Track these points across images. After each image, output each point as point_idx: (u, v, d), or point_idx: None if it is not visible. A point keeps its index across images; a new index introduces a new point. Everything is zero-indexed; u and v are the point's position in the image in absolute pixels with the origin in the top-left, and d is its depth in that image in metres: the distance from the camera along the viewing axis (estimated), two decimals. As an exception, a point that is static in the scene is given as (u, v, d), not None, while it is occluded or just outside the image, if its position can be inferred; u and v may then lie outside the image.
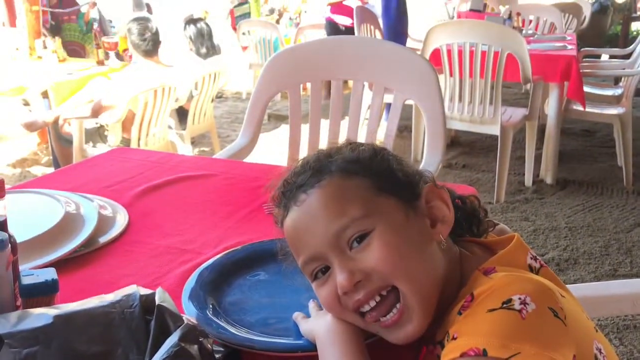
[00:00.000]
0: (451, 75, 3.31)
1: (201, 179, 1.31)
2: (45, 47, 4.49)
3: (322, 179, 0.69)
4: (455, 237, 0.74)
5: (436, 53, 3.31)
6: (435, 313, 0.66)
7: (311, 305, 0.77)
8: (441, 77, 3.35)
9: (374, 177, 0.69)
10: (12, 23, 6.95)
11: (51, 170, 4.23)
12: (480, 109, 3.28)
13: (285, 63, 1.82)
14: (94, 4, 5.33)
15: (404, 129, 4.52)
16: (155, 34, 3.92)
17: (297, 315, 0.76)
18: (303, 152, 1.77)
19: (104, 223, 1.06)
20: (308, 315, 0.76)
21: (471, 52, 3.17)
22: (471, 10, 5.58)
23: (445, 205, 0.71)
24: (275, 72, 1.81)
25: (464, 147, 4.47)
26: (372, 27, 4.40)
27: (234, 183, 1.29)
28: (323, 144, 1.72)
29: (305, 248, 0.68)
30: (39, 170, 4.39)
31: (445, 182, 0.78)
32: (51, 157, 4.15)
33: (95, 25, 5.29)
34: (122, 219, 1.10)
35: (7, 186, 1.28)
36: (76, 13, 5.20)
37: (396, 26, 4.47)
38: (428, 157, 1.63)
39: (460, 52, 3.22)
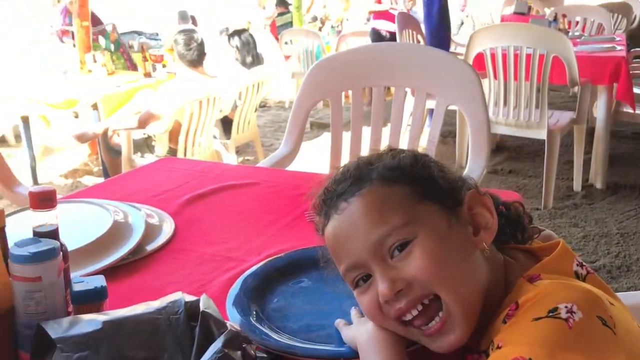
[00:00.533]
0: (495, 79, 3.26)
1: (245, 187, 1.33)
2: (95, 61, 4.64)
3: (363, 187, 0.68)
4: (499, 244, 0.73)
5: (480, 57, 3.27)
6: (478, 321, 0.65)
7: (353, 312, 0.77)
8: (485, 81, 3.31)
9: (415, 184, 0.68)
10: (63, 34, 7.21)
11: (101, 180, 4.36)
12: (525, 113, 3.22)
13: (326, 71, 1.83)
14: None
15: (448, 135, 4.47)
16: (201, 45, 4.00)
17: (339, 322, 0.76)
18: (345, 161, 1.77)
19: (151, 231, 1.09)
20: (350, 322, 0.76)
21: (515, 56, 3.12)
22: (515, 13, 5.49)
23: (489, 212, 0.70)
24: (316, 80, 1.82)
25: (509, 152, 4.38)
26: (414, 32, 4.38)
27: (276, 191, 1.31)
28: (365, 152, 1.73)
29: (346, 256, 0.68)
30: (89, 180, 4.53)
31: (489, 189, 0.77)
32: (101, 168, 4.28)
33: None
34: (168, 227, 1.13)
35: (58, 196, 1.33)
36: (103, 32, 5.37)
37: (438, 31, 4.44)
38: (472, 163, 1.61)
39: (504, 56, 3.17)
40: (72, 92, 4.15)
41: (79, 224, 1.05)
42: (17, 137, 5.37)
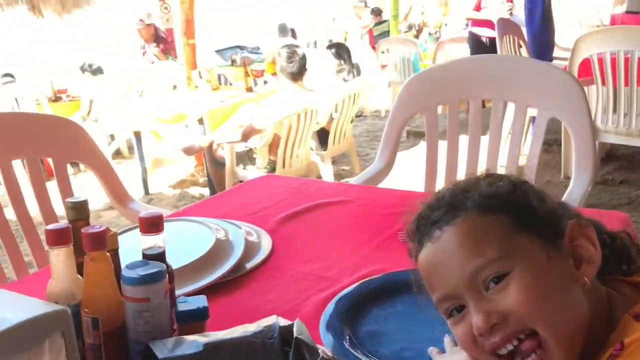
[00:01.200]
0: (604, 85, 3.08)
1: (338, 205, 1.35)
2: (200, 77, 4.88)
3: (458, 215, 0.67)
4: (603, 276, 0.69)
5: (586, 62, 3.10)
6: (579, 359, 0.62)
7: (446, 340, 0.76)
8: (592, 88, 3.14)
9: (513, 214, 0.66)
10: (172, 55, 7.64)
11: (206, 190, 4.57)
12: (638, 121, 3.01)
13: (421, 85, 1.82)
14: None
15: (553, 143, 4.27)
16: (302, 59, 4.10)
17: (432, 350, 0.76)
18: (441, 174, 1.75)
19: (250, 249, 1.13)
20: (443, 350, 0.75)
21: (626, 60, 2.93)
22: (627, 12, 5.15)
23: (592, 244, 0.66)
24: (411, 94, 1.81)
25: (620, 161, 4.11)
26: (515, 38, 4.23)
27: (369, 209, 1.32)
28: (462, 162, 1.69)
29: (439, 286, 0.68)
30: (196, 191, 4.76)
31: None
32: (206, 179, 4.49)
33: None
34: (266, 244, 1.17)
35: (166, 207, 1.41)
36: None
37: (541, 36, 4.25)
38: (577, 178, 1.53)
39: (613, 61, 2.99)
40: (180, 108, 4.40)
41: (184, 242, 1.12)
42: (130, 149, 5.75)
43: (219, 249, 1.09)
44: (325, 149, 4.49)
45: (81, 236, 0.73)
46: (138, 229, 0.79)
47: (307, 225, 1.27)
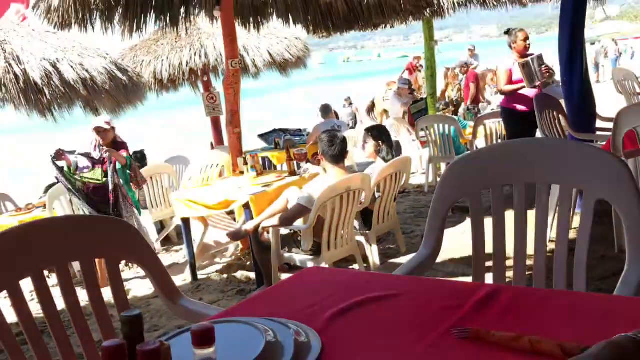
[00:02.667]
0: (652, 156, 3.03)
1: (387, 299, 1.34)
2: (245, 164, 5.02)
3: None
4: None
5: (630, 134, 3.07)
6: None
7: None
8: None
9: None
10: (217, 143, 7.93)
11: (253, 274, 4.59)
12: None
13: (464, 169, 1.83)
14: None
15: (604, 214, 4.14)
16: (343, 142, 4.19)
17: None
18: (489, 246, 1.73)
19: (300, 351, 1.13)
20: None
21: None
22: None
23: None
24: (454, 179, 1.82)
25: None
26: (555, 113, 4.23)
27: (420, 304, 1.30)
28: (509, 236, 1.67)
29: None
30: (242, 275, 4.79)
31: None
32: (252, 262, 4.52)
33: None
34: (316, 345, 1.16)
35: (213, 309, 1.42)
36: None
37: (581, 110, 4.23)
38: (631, 261, 1.48)
39: (660, 131, 2.95)
40: (226, 194, 4.51)
41: (234, 346, 1.12)
42: (179, 235, 5.88)
43: (270, 352, 1.09)
44: (369, 229, 4.48)
45: (136, 352, 0.75)
46: (189, 334, 0.82)
47: (356, 322, 1.26)
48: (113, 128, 5.34)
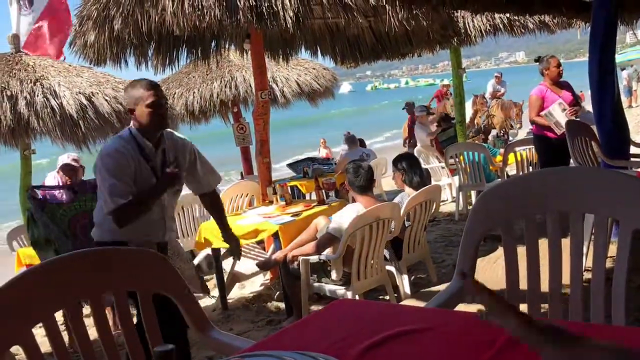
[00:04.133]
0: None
1: (418, 334, 1.32)
2: (274, 193, 5.05)
3: None
4: None
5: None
6: None
7: None
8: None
9: None
10: (247, 172, 8.01)
11: (282, 304, 4.57)
12: None
13: (495, 200, 1.81)
14: None
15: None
16: (368, 172, 4.20)
17: None
18: (523, 279, 1.69)
19: (330, 386, 1.12)
20: None
21: None
22: None
23: None
24: (485, 211, 1.81)
25: None
26: (586, 139, 4.17)
27: (452, 338, 1.28)
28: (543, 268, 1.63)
29: None
30: (272, 305, 4.77)
31: None
32: (282, 292, 4.51)
33: None
34: (346, 380, 1.15)
35: (244, 342, 1.42)
36: None
37: (614, 134, 4.17)
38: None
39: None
40: (256, 223, 4.53)
41: (265, 381, 1.12)
42: (210, 265, 5.91)
43: (300, 387, 1.08)
44: (400, 258, 4.44)
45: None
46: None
47: (388, 357, 1.24)
48: (82, 167, 4.86)
